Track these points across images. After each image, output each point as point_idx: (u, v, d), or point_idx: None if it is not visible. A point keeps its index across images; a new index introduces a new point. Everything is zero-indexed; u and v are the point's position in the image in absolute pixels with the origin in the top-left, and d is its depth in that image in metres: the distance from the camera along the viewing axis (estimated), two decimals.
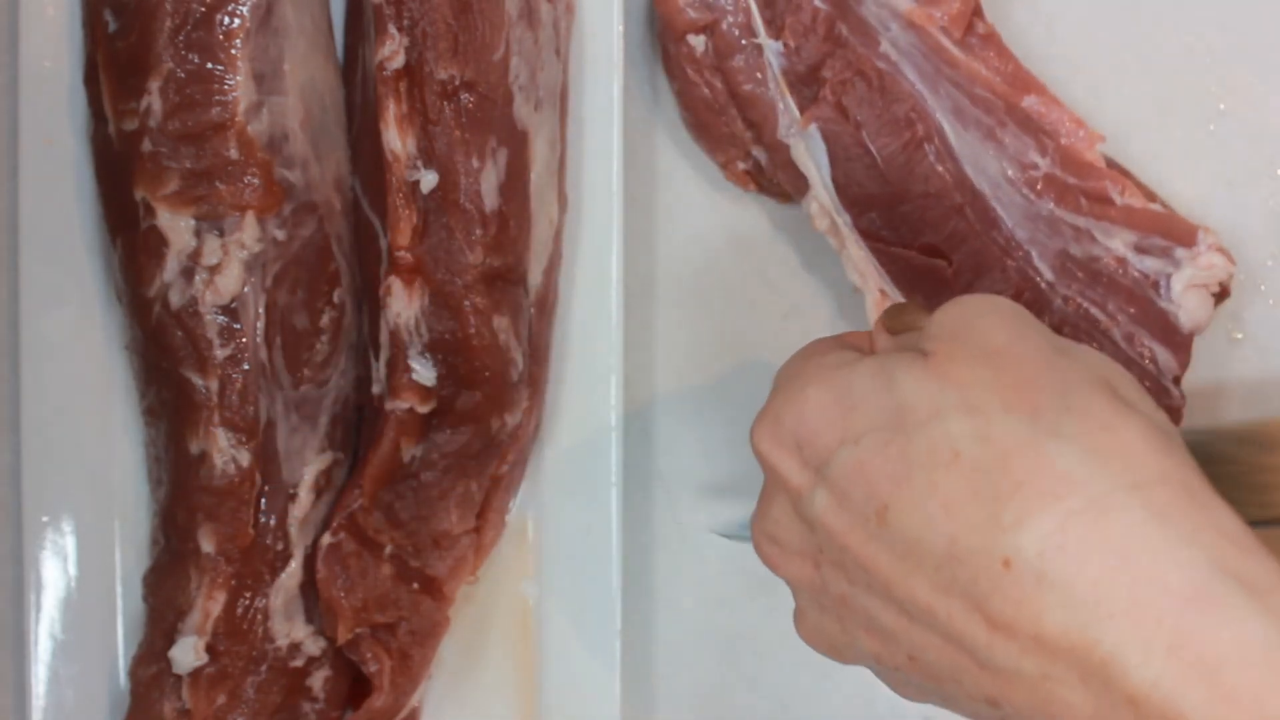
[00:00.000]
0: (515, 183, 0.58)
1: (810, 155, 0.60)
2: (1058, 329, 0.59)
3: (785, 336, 0.64)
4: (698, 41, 0.61)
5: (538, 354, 0.60)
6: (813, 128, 0.60)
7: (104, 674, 0.60)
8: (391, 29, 0.56)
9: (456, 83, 0.57)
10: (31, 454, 0.60)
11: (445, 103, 0.57)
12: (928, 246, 0.60)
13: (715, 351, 0.65)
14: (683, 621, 0.65)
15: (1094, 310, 0.59)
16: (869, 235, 0.61)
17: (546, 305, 0.61)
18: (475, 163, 0.57)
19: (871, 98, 0.60)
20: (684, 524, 0.65)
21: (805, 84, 0.60)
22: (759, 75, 0.61)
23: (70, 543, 0.60)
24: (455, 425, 0.58)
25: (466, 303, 0.57)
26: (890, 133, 0.60)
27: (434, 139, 0.57)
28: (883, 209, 0.60)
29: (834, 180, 0.60)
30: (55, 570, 0.60)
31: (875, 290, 0.62)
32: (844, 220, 0.61)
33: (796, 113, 0.60)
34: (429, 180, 0.57)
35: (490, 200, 0.57)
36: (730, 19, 0.60)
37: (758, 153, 0.62)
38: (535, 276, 0.60)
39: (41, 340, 0.60)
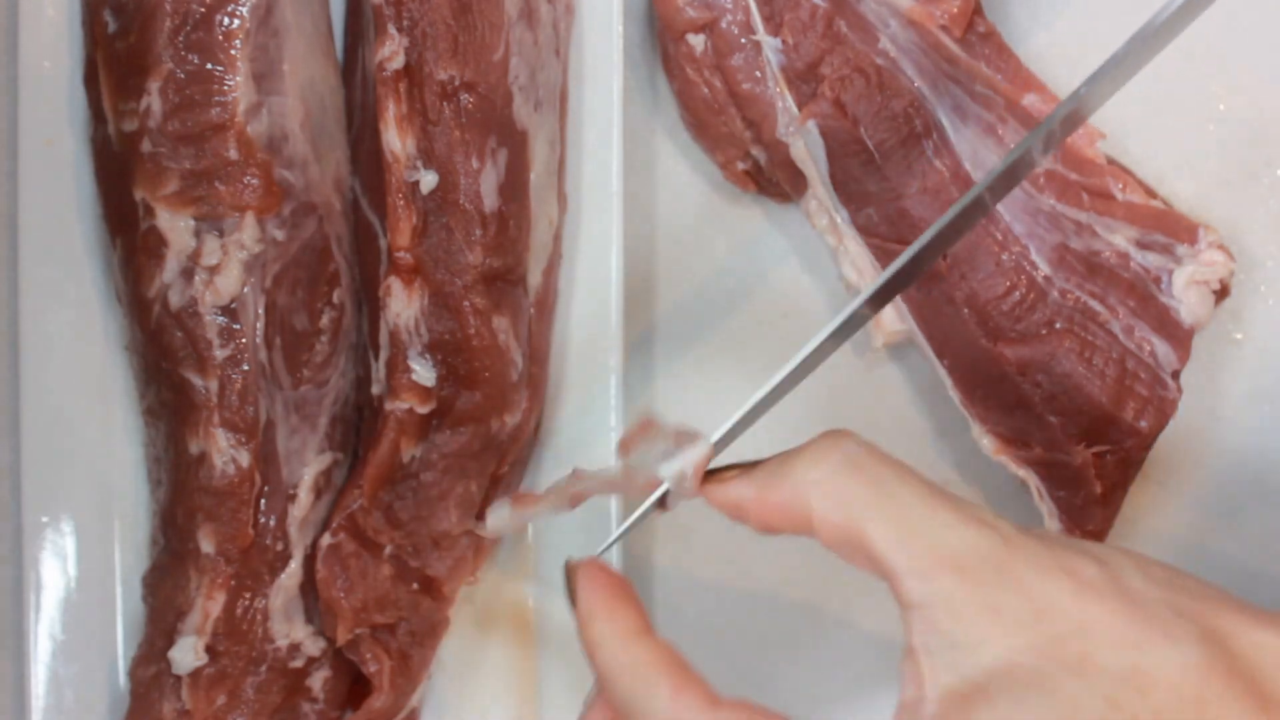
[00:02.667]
0: (515, 183, 0.58)
1: (809, 152, 0.60)
2: (1052, 322, 0.60)
3: (785, 336, 0.65)
4: (697, 41, 0.61)
5: (537, 354, 0.60)
6: (811, 124, 0.60)
7: (104, 674, 0.60)
8: (391, 29, 0.56)
9: (456, 83, 0.57)
10: (31, 454, 0.60)
11: (445, 103, 0.57)
12: None
13: (715, 351, 0.65)
14: (682, 621, 0.65)
15: (1093, 303, 0.59)
16: (866, 231, 0.61)
17: (546, 305, 0.61)
18: (475, 163, 0.57)
19: (870, 94, 0.60)
20: (683, 524, 0.65)
21: (804, 81, 0.60)
22: (758, 74, 0.61)
23: (70, 543, 0.60)
24: (455, 425, 0.58)
25: (466, 303, 0.57)
26: (888, 129, 0.60)
27: (434, 139, 0.57)
28: (880, 205, 0.60)
29: (832, 177, 0.60)
30: (55, 570, 0.60)
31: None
32: (842, 217, 0.61)
33: (795, 110, 0.60)
34: (429, 181, 0.57)
35: (490, 200, 0.57)
36: (729, 17, 0.60)
37: (756, 152, 0.62)
38: (535, 277, 0.60)
39: (41, 340, 0.60)
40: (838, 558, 0.44)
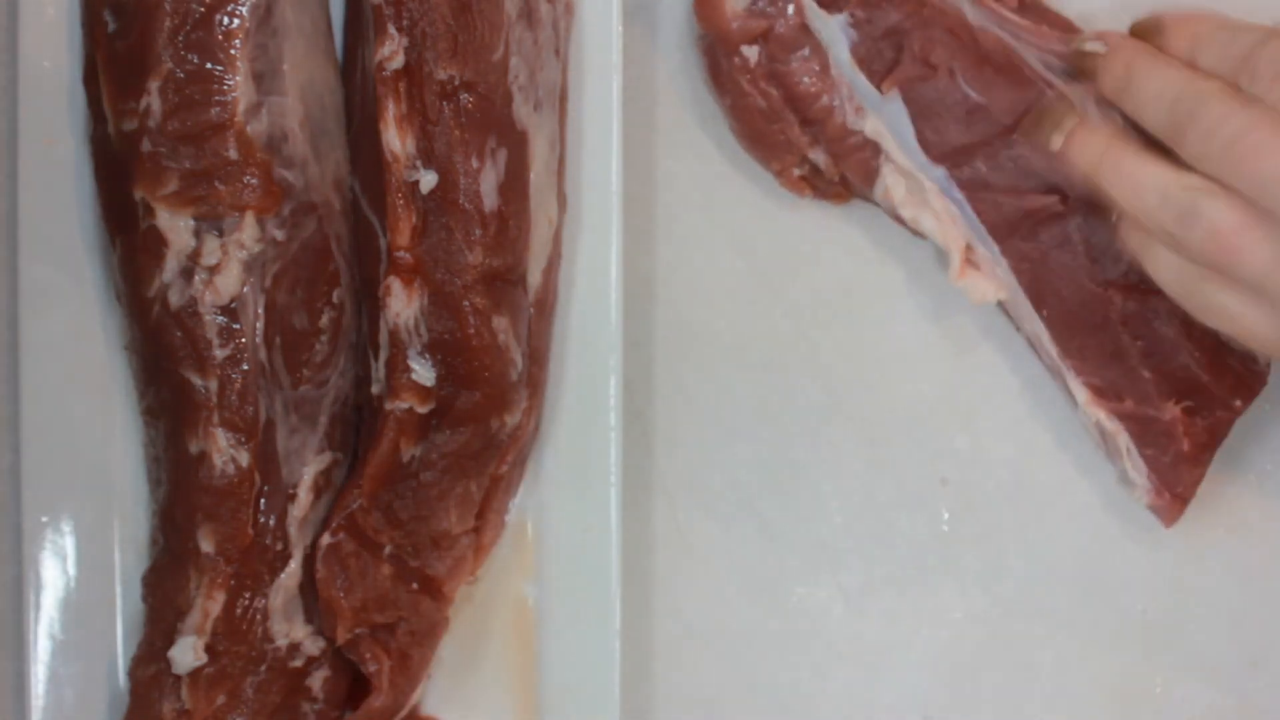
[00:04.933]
0: (515, 183, 0.58)
1: (888, 124, 0.60)
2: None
3: (785, 336, 0.65)
4: (751, 52, 0.61)
5: (537, 354, 0.60)
6: (894, 94, 0.60)
7: (103, 674, 0.60)
8: (391, 29, 0.56)
9: (456, 83, 0.57)
10: (31, 454, 0.60)
11: (444, 103, 0.57)
12: (1043, 185, 0.60)
13: (715, 351, 0.65)
14: (682, 621, 0.65)
15: None
16: (971, 186, 0.60)
17: (546, 305, 0.61)
18: (475, 163, 0.57)
19: (964, 47, 0.59)
20: (683, 524, 0.65)
21: (878, 56, 0.60)
22: (816, 68, 0.61)
23: (70, 543, 0.60)
24: (455, 425, 0.58)
25: (466, 303, 0.57)
26: (991, 72, 0.59)
27: (433, 139, 0.57)
28: (987, 154, 0.60)
29: (922, 139, 0.60)
30: (55, 570, 0.60)
31: (961, 247, 0.61)
32: (936, 175, 0.60)
33: (870, 86, 0.60)
34: (428, 180, 0.57)
35: (490, 200, 0.57)
36: (784, 21, 0.60)
37: (815, 154, 0.62)
38: (534, 276, 0.60)
39: (41, 340, 0.60)
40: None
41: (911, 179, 0.61)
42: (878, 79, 0.60)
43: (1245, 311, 0.55)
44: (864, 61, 0.60)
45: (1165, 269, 0.57)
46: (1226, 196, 0.54)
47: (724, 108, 0.63)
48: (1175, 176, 0.55)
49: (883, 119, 0.61)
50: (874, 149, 0.61)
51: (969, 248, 0.61)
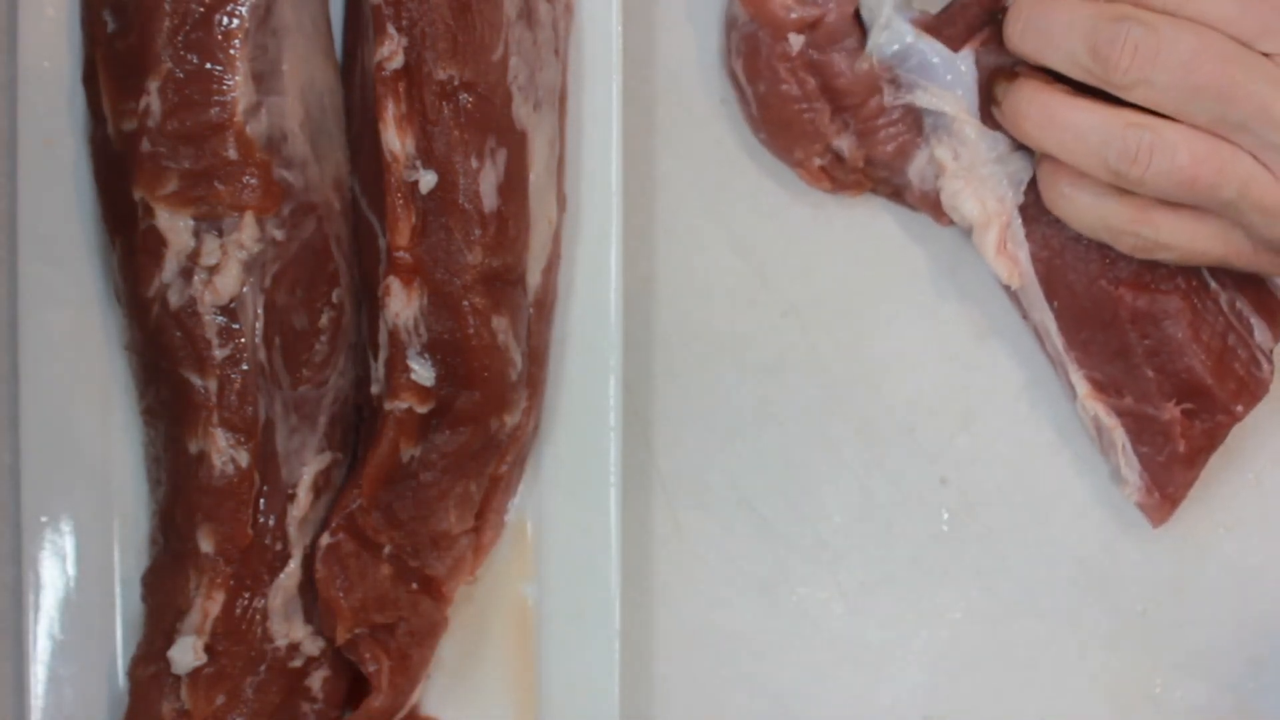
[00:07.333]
0: (514, 183, 0.58)
1: (951, 90, 0.60)
2: (1174, 277, 0.60)
3: (785, 336, 0.65)
4: (797, 40, 0.60)
5: (537, 354, 0.60)
6: (966, 55, 0.59)
7: (103, 674, 0.61)
8: (390, 29, 0.56)
9: (455, 83, 0.57)
10: (31, 454, 0.60)
11: (444, 103, 0.57)
12: None
13: (715, 351, 0.65)
14: (682, 621, 0.65)
15: (1204, 270, 0.60)
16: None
17: (545, 305, 0.61)
18: (474, 163, 0.57)
19: None
20: (683, 524, 0.65)
21: (949, 21, 0.59)
22: (853, 60, 0.60)
23: (69, 543, 0.60)
24: (454, 425, 0.58)
25: (465, 303, 0.57)
26: None
27: (433, 139, 0.57)
28: None
29: (984, 106, 0.60)
30: (54, 570, 0.60)
31: (1004, 223, 0.61)
32: (990, 145, 0.60)
33: (938, 49, 0.59)
34: (428, 180, 0.57)
35: (489, 200, 0.57)
36: (834, 11, 0.60)
37: (839, 142, 0.62)
38: (534, 276, 0.60)
39: (41, 340, 0.60)
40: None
41: (965, 146, 0.61)
42: (954, 43, 0.60)
43: (1196, 235, 0.55)
44: (931, 30, 0.60)
45: (1090, 212, 0.56)
46: (1175, 128, 0.53)
47: (754, 95, 0.62)
48: (1115, 115, 0.54)
49: (948, 84, 0.60)
50: (912, 125, 0.61)
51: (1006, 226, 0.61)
